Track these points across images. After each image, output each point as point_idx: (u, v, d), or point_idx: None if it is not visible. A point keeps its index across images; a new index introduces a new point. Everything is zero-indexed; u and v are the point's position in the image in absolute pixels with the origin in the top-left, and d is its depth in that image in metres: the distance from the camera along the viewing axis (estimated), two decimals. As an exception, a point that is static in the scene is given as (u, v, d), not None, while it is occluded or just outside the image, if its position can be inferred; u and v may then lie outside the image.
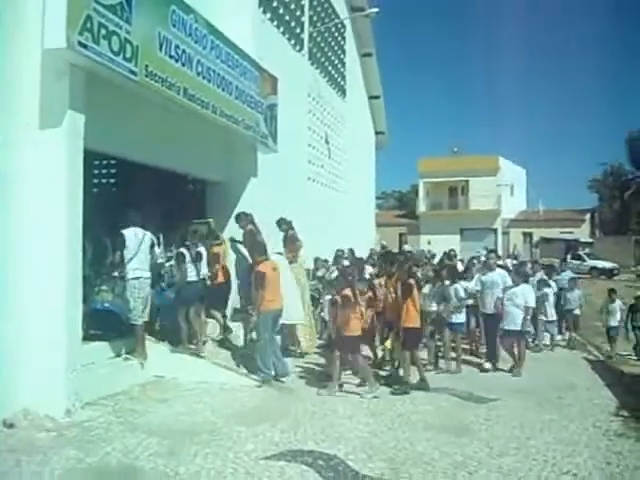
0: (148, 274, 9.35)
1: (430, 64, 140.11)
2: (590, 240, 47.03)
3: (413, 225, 55.89)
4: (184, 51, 9.11)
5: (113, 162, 14.60)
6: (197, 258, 10.22)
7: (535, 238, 49.88)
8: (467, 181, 53.98)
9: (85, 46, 6.95)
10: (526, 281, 11.83)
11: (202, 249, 10.47)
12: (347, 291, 9.45)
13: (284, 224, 11.87)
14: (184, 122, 10.40)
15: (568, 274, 16.09)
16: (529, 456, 6.66)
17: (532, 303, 11.31)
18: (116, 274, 9.78)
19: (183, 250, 10.07)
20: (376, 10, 20.34)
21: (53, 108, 7.29)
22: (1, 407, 6.96)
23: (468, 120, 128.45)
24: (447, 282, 11.51)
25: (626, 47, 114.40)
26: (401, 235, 53.35)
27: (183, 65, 9.10)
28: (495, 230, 52.88)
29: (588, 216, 53.04)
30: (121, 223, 9.21)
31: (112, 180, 15.41)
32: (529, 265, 16.33)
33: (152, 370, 9.44)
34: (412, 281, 9.70)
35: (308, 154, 17.76)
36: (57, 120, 7.28)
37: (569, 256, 38.98)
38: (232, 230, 11.96)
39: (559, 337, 14.50)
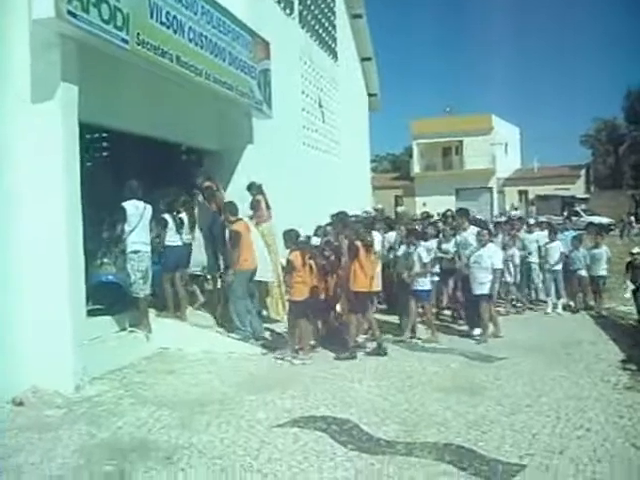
0: (148, 247, 9.21)
1: (421, 23, 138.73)
2: (586, 196, 47.00)
3: (408, 187, 55.81)
4: (175, 17, 8.88)
5: (107, 134, 14.38)
6: (180, 224, 10.21)
7: (531, 196, 49.82)
8: (461, 141, 53.83)
9: (75, 15, 6.76)
10: (492, 240, 11.10)
11: (183, 215, 10.40)
12: (292, 255, 9.36)
13: (254, 188, 11.64)
14: (177, 90, 10.22)
15: (571, 233, 15.03)
16: (541, 413, 6.66)
17: (499, 264, 10.62)
18: (117, 247, 9.69)
19: (165, 216, 9.96)
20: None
21: (46, 80, 7.15)
22: (10, 385, 6.93)
23: (460, 79, 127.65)
24: (412, 246, 10.66)
25: (620, 2, 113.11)
26: (396, 197, 53.26)
27: (175, 32, 8.88)
28: (490, 189, 52.83)
29: (583, 172, 52.98)
30: (121, 195, 9.07)
31: (108, 152, 15.21)
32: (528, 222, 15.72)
33: (157, 342, 9.41)
34: (358, 242, 9.38)
35: (302, 119, 17.54)
36: (50, 92, 7.15)
37: (565, 212, 39.01)
38: (229, 199, 11.77)
39: (562, 300, 13.50)
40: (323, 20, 20.31)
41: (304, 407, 6.88)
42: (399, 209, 34.86)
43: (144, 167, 11.44)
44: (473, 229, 11.25)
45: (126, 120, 9.59)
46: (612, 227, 37.18)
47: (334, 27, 21.49)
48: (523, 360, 9.03)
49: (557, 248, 13.49)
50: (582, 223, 36.50)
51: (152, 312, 9.68)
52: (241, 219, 10.15)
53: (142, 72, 9.03)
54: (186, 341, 9.56)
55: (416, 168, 55.92)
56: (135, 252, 8.98)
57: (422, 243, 10.82)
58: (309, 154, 17.82)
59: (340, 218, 10.13)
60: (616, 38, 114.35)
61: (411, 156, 57.84)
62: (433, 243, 11.91)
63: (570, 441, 5.86)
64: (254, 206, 11.42)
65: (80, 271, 7.62)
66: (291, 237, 9.50)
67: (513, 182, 53.53)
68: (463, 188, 51.80)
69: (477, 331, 10.68)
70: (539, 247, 13.84)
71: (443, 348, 9.86)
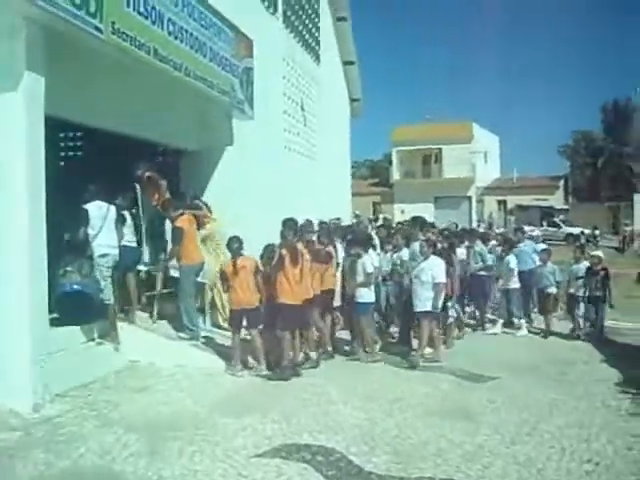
0: (116, 250, 8.67)
1: (404, 31, 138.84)
2: (565, 207, 47.11)
3: (387, 194, 55.31)
4: (154, 8, 8.24)
5: (77, 132, 13.65)
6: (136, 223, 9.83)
7: (509, 205, 49.79)
8: (440, 149, 53.42)
9: (42, -3, 6.16)
10: (435, 253, 9.97)
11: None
12: (228, 263, 8.98)
13: (189, 195, 11.06)
14: (154, 86, 9.60)
15: (529, 246, 13.47)
16: (544, 443, 6.16)
17: (440, 278, 9.62)
18: (82, 253, 9.05)
19: (124, 213, 9.38)
20: (351, -30, 19.44)
21: (9, 69, 6.50)
22: (-40, 404, 6.27)
23: (441, 87, 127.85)
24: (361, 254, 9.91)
25: (598, 15, 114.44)
26: (375, 204, 52.88)
27: (153, 23, 8.24)
28: (469, 198, 52.56)
29: (562, 183, 53.05)
30: (84, 197, 8.53)
31: (76, 151, 14.44)
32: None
33: (127, 355, 8.79)
34: (284, 251, 8.81)
35: (284, 121, 16.95)
36: (14, 82, 6.49)
37: (545, 223, 38.93)
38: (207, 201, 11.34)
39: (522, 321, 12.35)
40: (307, 21, 19.73)
41: (286, 433, 6.28)
42: (380, 216, 34.29)
43: (115, 167, 10.80)
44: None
45: (98, 116, 8.95)
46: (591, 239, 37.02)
47: (318, 29, 20.93)
48: (516, 381, 8.53)
49: (507, 264, 12.39)
50: (562, 234, 36.93)
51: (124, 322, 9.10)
52: (183, 213, 9.66)
53: (116, 65, 8.39)
54: (158, 354, 8.92)
55: (395, 175, 55.45)
56: (103, 256, 8.45)
57: (369, 252, 10.17)
58: (290, 158, 17.23)
59: (286, 226, 9.27)
60: (596, 51, 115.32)
61: (390, 163, 57.39)
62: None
63: (580, 478, 5.35)
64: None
65: (43, 275, 6.96)
66: (232, 245, 8.94)
67: (492, 191, 53.39)
68: (442, 196, 51.45)
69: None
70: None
71: (432, 366, 9.32)
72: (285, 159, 16.59)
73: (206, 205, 10.97)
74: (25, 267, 6.62)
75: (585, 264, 12.08)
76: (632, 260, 27.19)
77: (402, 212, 46.51)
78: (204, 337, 9.82)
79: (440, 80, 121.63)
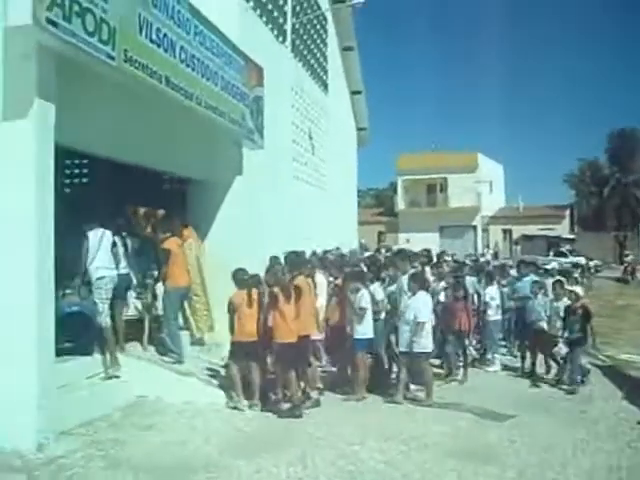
0: (114, 272, 8.64)
1: (412, 60, 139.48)
2: (572, 236, 46.81)
3: (392, 223, 55.26)
4: (166, 35, 8.15)
5: (82, 159, 13.44)
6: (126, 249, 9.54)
7: (515, 235, 49.61)
8: (446, 178, 53.46)
9: (55, 24, 6.00)
10: (424, 288, 9.49)
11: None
12: (234, 294, 8.72)
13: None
14: (164, 115, 9.43)
15: (528, 281, 12.13)
16: (573, 489, 5.88)
17: (423, 317, 9.00)
18: (80, 277, 8.86)
19: (116, 239, 9.06)
20: (362, 0, 19.42)
21: (20, 96, 6.35)
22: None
23: (447, 117, 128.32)
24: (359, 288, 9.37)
25: (603, 44, 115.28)
26: (380, 233, 52.73)
27: (165, 51, 8.15)
28: (474, 227, 52.52)
29: (567, 212, 52.92)
30: (80, 224, 8.54)
31: (80, 178, 14.20)
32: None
33: (134, 389, 8.53)
34: (276, 289, 8.48)
35: (293, 151, 16.85)
36: (24, 110, 6.34)
37: (551, 253, 38.62)
38: (215, 232, 11.47)
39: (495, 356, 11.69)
40: (315, 51, 19.80)
41: (302, 477, 5.99)
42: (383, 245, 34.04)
43: (117, 194, 10.71)
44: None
45: (105, 145, 8.67)
46: (599, 269, 36.73)
47: (325, 58, 20.99)
48: (535, 419, 8.22)
49: (489, 296, 11.84)
50: (568, 264, 36.62)
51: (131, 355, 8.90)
52: (172, 236, 9.67)
53: (125, 93, 8.25)
54: (165, 388, 8.66)
55: (400, 204, 55.43)
56: (101, 278, 8.46)
57: (374, 285, 9.81)
58: (299, 187, 17.10)
59: (288, 260, 9.11)
60: (601, 79, 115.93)
61: (395, 192, 57.40)
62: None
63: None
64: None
65: (50, 308, 6.78)
66: (238, 276, 8.76)
67: (497, 220, 53.34)
68: (447, 225, 51.44)
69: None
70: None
71: (447, 403, 9.01)
72: (294, 189, 16.46)
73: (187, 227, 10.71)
74: (32, 298, 6.43)
75: (565, 301, 10.89)
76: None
77: (407, 241, 46.32)
78: (209, 369, 9.61)
79: (445, 109, 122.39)
